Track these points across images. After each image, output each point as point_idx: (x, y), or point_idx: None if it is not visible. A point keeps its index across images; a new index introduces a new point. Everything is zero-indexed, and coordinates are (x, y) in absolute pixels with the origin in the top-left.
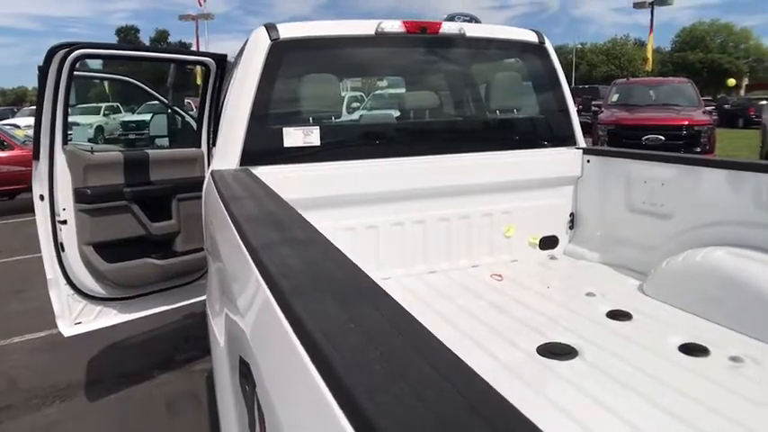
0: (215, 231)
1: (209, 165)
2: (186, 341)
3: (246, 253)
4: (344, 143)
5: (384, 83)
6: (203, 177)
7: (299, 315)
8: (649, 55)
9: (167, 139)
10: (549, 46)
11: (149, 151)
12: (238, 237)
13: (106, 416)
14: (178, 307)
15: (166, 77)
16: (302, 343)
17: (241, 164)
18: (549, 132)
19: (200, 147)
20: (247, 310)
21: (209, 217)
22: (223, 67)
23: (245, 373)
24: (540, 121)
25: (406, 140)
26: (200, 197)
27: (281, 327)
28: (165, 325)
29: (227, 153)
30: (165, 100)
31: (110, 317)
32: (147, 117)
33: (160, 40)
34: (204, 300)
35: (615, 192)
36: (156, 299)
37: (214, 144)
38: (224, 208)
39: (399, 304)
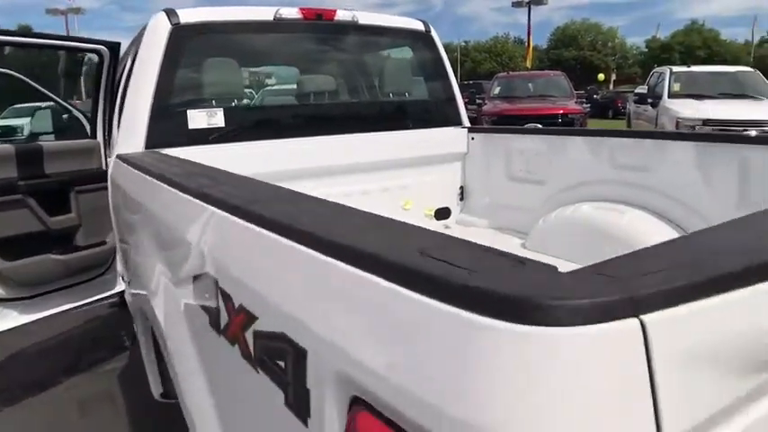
0: (138, 211)
1: (106, 155)
2: (94, 342)
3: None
4: (248, 125)
5: (285, 69)
6: (102, 169)
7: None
8: (528, 52)
9: (53, 135)
10: (434, 35)
11: (43, 143)
12: (185, 193)
13: (20, 423)
14: (84, 305)
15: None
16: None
17: (146, 147)
18: (437, 114)
19: (95, 138)
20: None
21: (124, 200)
22: (116, 55)
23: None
24: (428, 104)
25: (306, 122)
26: (100, 189)
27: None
28: (68, 330)
29: (131, 137)
30: (50, 94)
31: (10, 319)
32: (16, 122)
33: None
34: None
35: (497, 164)
36: (60, 297)
37: (110, 134)
38: (156, 177)
39: (332, 202)
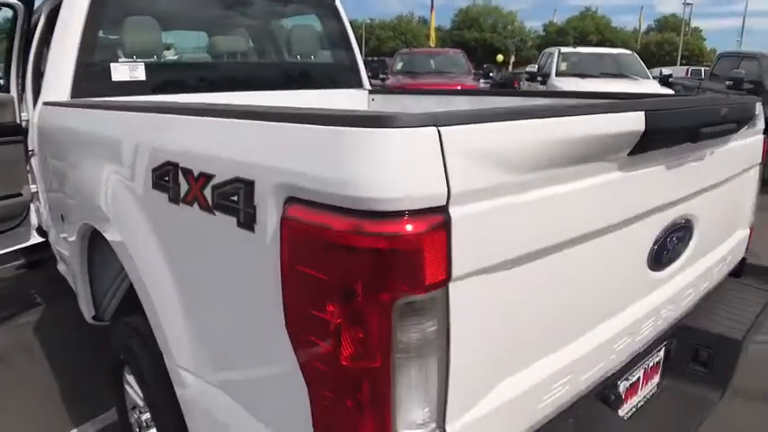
0: (80, 140)
1: (19, 110)
2: (2, 300)
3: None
4: (166, 79)
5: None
6: (14, 122)
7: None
8: (432, 31)
9: None
10: (338, 5)
11: None
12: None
13: None
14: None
15: None
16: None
17: (72, 96)
18: (340, 77)
19: (9, 92)
20: None
21: (58, 139)
22: (31, 10)
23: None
24: (332, 67)
25: (219, 78)
26: (15, 142)
27: None
28: None
29: (57, 86)
30: None
31: None
32: None
33: None
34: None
35: None
36: None
37: (24, 89)
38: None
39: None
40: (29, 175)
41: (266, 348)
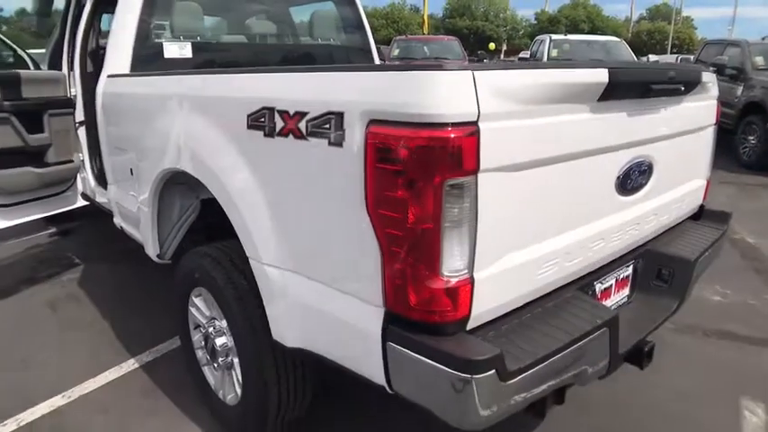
0: (146, 115)
1: (69, 86)
2: (41, 263)
3: None
4: (209, 57)
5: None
6: (68, 97)
7: None
8: (425, 18)
9: None
10: None
11: (20, 71)
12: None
13: None
14: (52, 215)
15: None
16: None
17: (131, 70)
18: (356, 57)
19: (60, 70)
20: None
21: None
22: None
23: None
24: (350, 49)
25: (252, 57)
26: (67, 114)
27: None
28: (10, 256)
29: (118, 62)
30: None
31: None
32: None
33: None
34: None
35: None
36: (34, 206)
37: (72, 67)
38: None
39: None
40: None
41: (346, 231)
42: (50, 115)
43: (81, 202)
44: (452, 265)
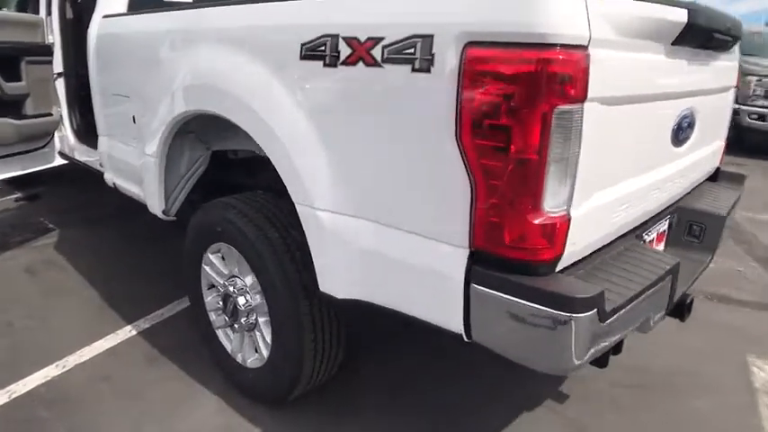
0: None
1: (49, 32)
2: (13, 228)
3: None
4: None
5: None
6: (47, 44)
7: None
8: None
9: None
10: None
11: None
12: None
13: None
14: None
15: None
16: None
17: (128, 10)
18: None
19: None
20: None
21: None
22: None
23: None
24: None
25: None
26: (47, 62)
27: None
28: None
29: (114, 2)
30: None
31: None
32: None
33: None
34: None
35: None
36: (11, 163)
37: (49, 13)
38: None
39: None
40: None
41: (427, 165)
42: (28, 62)
43: (59, 161)
44: (554, 199)
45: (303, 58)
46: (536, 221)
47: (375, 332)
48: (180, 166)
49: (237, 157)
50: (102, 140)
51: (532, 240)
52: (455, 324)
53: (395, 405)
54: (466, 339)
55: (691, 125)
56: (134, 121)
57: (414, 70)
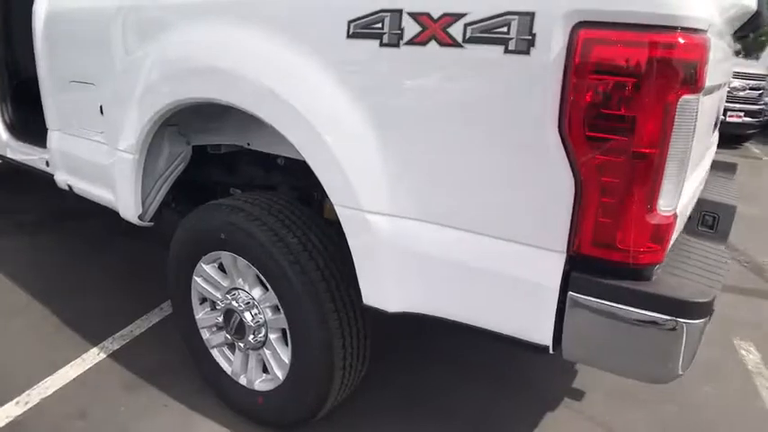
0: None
1: None
2: None
3: None
4: None
5: None
6: None
7: None
8: None
9: None
10: None
11: None
12: None
13: None
14: None
15: None
16: None
17: None
18: None
19: None
20: None
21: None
22: None
23: None
24: None
25: None
26: None
27: None
28: None
29: None
30: None
31: None
32: None
33: None
34: None
35: None
36: None
37: None
38: None
39: None
40: None
41: (518, 161)
42: None
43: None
44: (667, 198)
45: (351, 36)
46: (651, 222)
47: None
48: (158, 163)
49: (220, 153)
50: (53, 136)
51: (644, 242)
52: (541, 335)
53: (412, 413)
54: (551, 351)
55: (719, 114)
56: (101, 113)
57: (507, 52)
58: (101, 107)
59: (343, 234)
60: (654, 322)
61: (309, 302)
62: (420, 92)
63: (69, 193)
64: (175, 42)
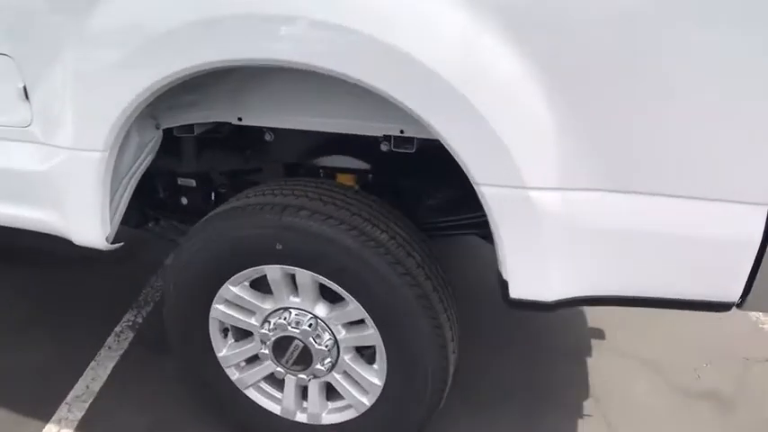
0: None
1: None
2: None
3: None
4: None
5: None
6: None
7: None
8: None
9: None
10: None
11: None
12: None
13: None
14: None
15: None
16: None
17: None
18: None
19: None
20: None
21: None
22: None
23: None
24: None
25: None
26: None
27: None
28: None
29: None
30: None
31: None
32: None
33: None
34: None
35: None
36: None
37: None
38: None
39: None
40: None
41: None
42: None
43: None
44: None
45: None
46: None
47: None
48: (123, 159)
49: (194, 135)
50: None
51: None
52: (731, 293)
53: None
54: (735, 308)
55: None
56: (25, 97)
57: None
58: (24, 89)
59: None
60: None
61: (418, 306)
62: (601, 31)
63: None
64: None
